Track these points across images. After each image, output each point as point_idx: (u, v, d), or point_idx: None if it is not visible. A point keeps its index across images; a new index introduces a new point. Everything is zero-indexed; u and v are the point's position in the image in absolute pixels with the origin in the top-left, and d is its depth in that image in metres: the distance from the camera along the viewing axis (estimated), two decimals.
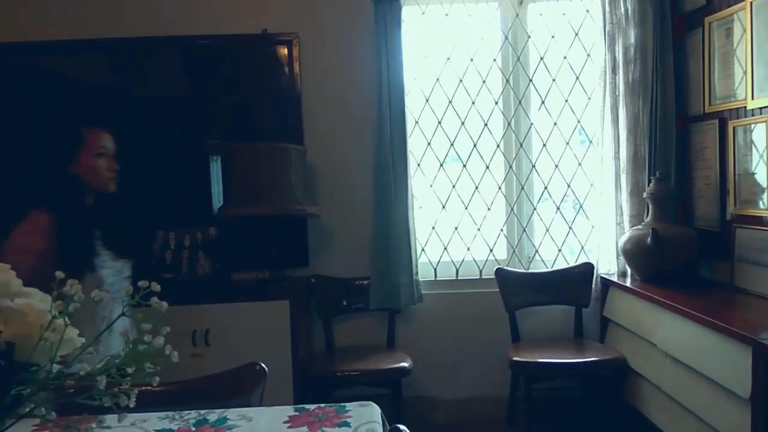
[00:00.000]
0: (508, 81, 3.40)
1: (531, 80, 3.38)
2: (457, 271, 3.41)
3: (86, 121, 3.31)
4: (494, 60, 3.39)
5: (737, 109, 2.75)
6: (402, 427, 1.22)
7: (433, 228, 3.42)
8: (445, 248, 3.42)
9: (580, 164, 3.40)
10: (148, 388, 1.61)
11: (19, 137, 3.29)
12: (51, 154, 2.23)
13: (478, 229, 3.41)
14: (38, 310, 0.81)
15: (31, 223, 1.97)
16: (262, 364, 1.73)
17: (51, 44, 3.28)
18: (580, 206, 3.42)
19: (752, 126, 2.65)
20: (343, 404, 1.56)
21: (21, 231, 1.96)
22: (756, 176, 2.64)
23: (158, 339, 0.74)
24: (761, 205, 2.61)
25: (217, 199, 3.26)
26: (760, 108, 2.58)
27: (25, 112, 3.31)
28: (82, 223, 2.01)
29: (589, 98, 3.35)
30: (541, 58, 3.37)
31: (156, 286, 0.75)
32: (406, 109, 3.23)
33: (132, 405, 0.75)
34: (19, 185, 3.17)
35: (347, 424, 1.44)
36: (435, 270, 3.42)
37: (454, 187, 3.41)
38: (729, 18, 2.78)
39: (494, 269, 3.27)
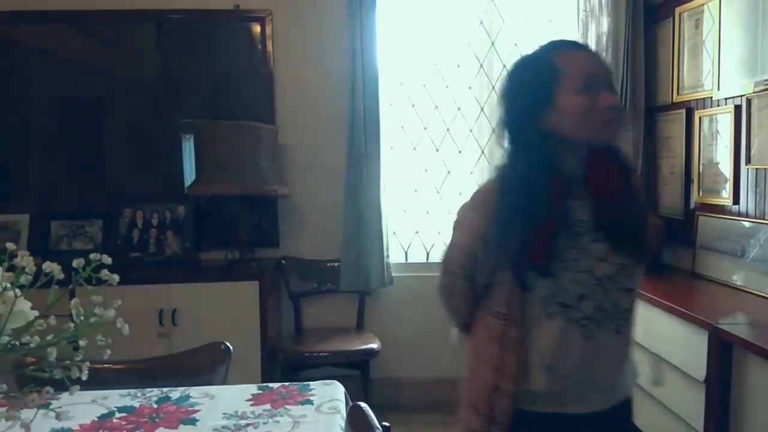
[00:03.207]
0: (482, 66, 3.40)
1: (505, 66, 3.39)
2: (428, 254, 3.43)
3: (54, 94, 3.24)
4: (468, 44, 3.39)
5: (704, 99, 2.79)
6: (363, 404, 1.23)
7: (405, 211, 3.43)
8: (417, 232, 3.43)
9: None
10: (111, 366, 1.61)
11: None
12: None
13: (449, 213, 3.43)
14: None
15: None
16: (227, 343, 1.73)
17: (19, 15, 3.18)
18: None
19: (717, 116, 2.70)
20: (306, 383, 1.57)
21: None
22: (719, 166, 2.70)
23: (109, 311, 0.74)
24: (724, 194, 2.67)
25: (189, 178, 3.22)
26: (726, 99, 2.63)
27: None
28: None
29: None
30: (515, 45, 3.38)
31: (107, 259, 0.75)
32: (379, 92, 3.22)
33: (84, 378, 0.75)
34: None
35: (310, 402, 1.45)
36: (406, 253, 3.43)
37: (426, 170, 3.42)
38: (699, 8, 2.82)
39: None
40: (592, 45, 3.18)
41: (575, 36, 3.22)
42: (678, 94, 3.00)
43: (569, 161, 1.29)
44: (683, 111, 2.94)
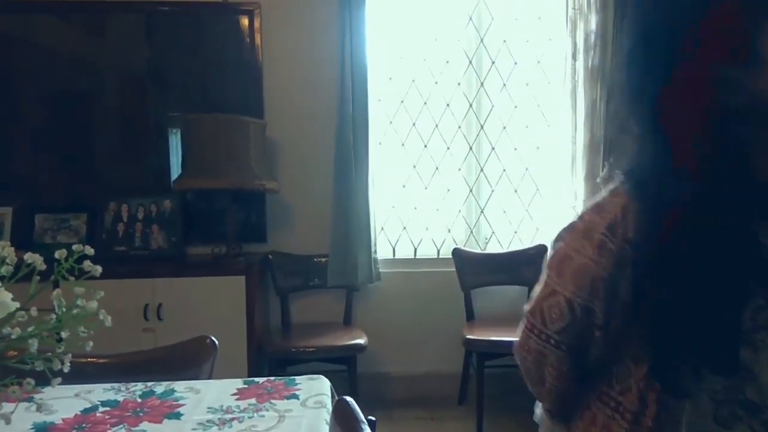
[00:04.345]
0: (471, 62, 3.41)
1: (494, 62, 3.40)
2: (416, 250, 3.44)
3: (40, 86, 3.20)
4: (458, 41, 3.39)
5: None
6: (348, 398, 1.23)
7: (393, 207, 3.43)
8: (404, 228, 3.44)
9: (537, 148, 3.45)
10: (94, 360, 1.60)
11: None
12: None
13: (437, 210, 3.44)
14: None
15: None
16: (213, 338, 1.72)
17: (3, 4, 3.14)
18: (537, 189, 3.47)
19: None
20: (292, 377, 1.57)
21: None
22: None
23: (91, 303, 0.73)
24: None
25: (175, 171, 3.20)
26: None
27: None
28: None
29: (549, 83, 3.39)
30: (504, 41, 3.39)
31: (89, 250, 0.74)
32: (368, 87, 3.21)
33: (66, 370, 0.74)
34: None
35: (296, 397, 1.44)
36: (393, 249, 3.44)
37: (414, 167, 3.42)
38: None
39: (451, 249, 3.30)
40: (581, 43, 3.20)
41: (564, 34, 3.24)
42: None
43: None
44: None
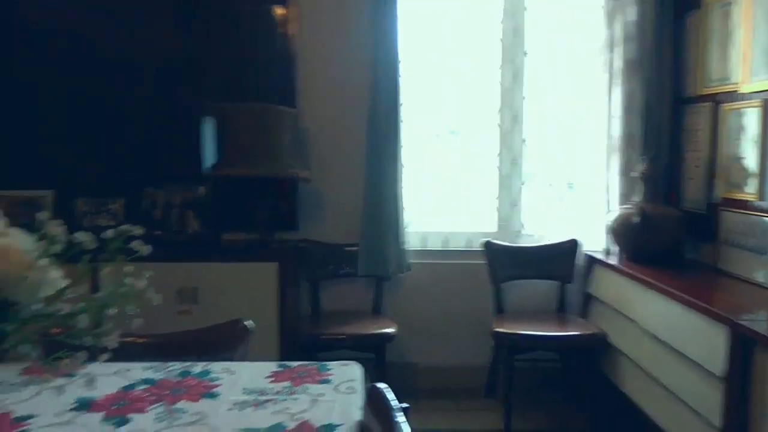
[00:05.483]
0: (505, 51, 3.37)
1: (526, 53, 3.36)
2: (446, 241, 3.44)
3: (79, 74, 3.28)
4: (492, 29, 3.36)
5: (731, 92, 2.75)
6: (381, 385, 1.25)
7: (424, 198, 3.43)
8: (435, 219, 3.43)
9: (572, 141, 3.40)
10: (134, 339, 1.64)
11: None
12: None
13: (468, 202, 3.42)
14: (20, 249, 0.81)
15: None
16: (250, 321, 1.75)
17: None
18: (570, 183, 3.43)
19: (744, 110, 2.65)
20: (324, 363, 1.59)
21: None
22: (745, 161, 2.65)
23: (140, 281, 0.75)
24: (748, 190, 2.63)
25: (208, 159, 3.24)
26: (753, 92, 2.58)
27: (9, 65, 3.26)
28: None
29: (586, 75, 3.34)
30: (539, 30, 3.34)
31: (138, 230, 0.76)
32: (399, 78, 3.20)
33: (114, 345, 0.77)
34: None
35: (328, 381, 1.47)
36: (424, 240, 3.43)
37: (445, 158, 3.41)
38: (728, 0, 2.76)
39: (482, 241, 3.29)
40: (619, 34, 3.14)
41: (601, 24, 3.18)
42: (705, 86, 2.95)
43: None
44: (710, 104, 2.90)
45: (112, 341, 0.76)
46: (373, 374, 2.85)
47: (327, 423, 1.24)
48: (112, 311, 0.76)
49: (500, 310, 3.24)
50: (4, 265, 0.80)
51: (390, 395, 1.20)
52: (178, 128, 3.31)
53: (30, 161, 3.27)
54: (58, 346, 0.82)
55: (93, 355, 0.80)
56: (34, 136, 3.30)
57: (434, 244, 3.44)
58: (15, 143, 3.27)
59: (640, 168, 3.04)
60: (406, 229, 3.30)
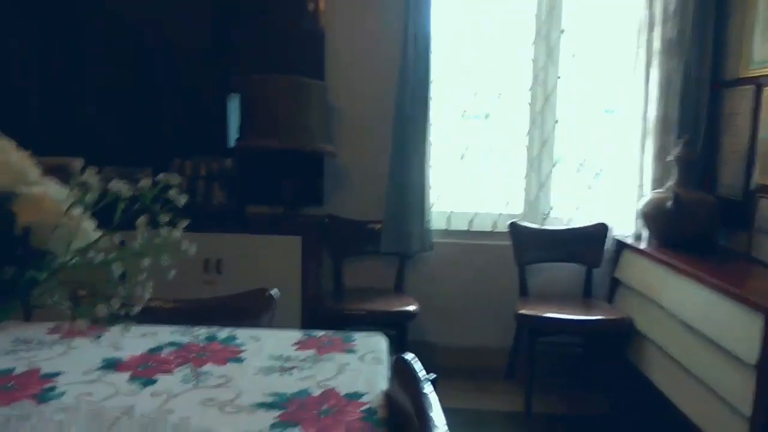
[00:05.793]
0: (538, 33, 3.28)
1: (563, 31, 3.27)
2: (471, 221, 3.39)
3: (110, 46, 3.31)
4: (524, 10, 3.27)
5: None
6: (408, 355, 1.23)
7: (450, 178, 3.39)
8: (461, 199, 3.39)
9: (605, 122, 3.32)
10: (161, 304, 1.64)
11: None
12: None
13: (495, 182, 3.37)
14: (54, 198, 0.80)
15: None
16: (273, 290, 1.74)
17: None
18: (601, 166, 3.36)
19: None
20: (349, 333, 1.58)
21: None
22: None
23: (175, 232, 0.74)
24: None
25: (237, 131, 3.24)
26: None
27: (41, 42, 3.29)
28: None
29: (622, 55, 3.24)
30: (574, 10, 3.25)
31: (175, 178, 0.74)
32: (430, 55, 3.15)
33: (148, 296, 0.75)
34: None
35: (354, 351, 1.45)
36: (449, 219, 3.40)
37: (474, 138, 3.36)
38: None
39: (508, 223, 3.24)
40: (658, 12, 3.04)
41: (640, 4, 3.08)
42: (747, 68, 2.85)
43: None
44: (752, 87, 2.80)
45: (146, 291, 0.75)
46: (393, 352, 2.84)
47: (353, 391, 1.23)
48: (147, 262, 0.75)
49: (524, 293, 3.20)
50: (39, 214, 0.79)
51: (418, 365, 1.18)
52: (207, 101, 3.32)
53: (64, 129, 3.30)
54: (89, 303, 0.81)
55: (126, 306, 0.79)
56: (69, 105, 3.33)
57: (459, 225, 3.40)
58: (52, 111, 3.31)
59: (675, 152, 2.96)
60: (431, 209, 3.27)
